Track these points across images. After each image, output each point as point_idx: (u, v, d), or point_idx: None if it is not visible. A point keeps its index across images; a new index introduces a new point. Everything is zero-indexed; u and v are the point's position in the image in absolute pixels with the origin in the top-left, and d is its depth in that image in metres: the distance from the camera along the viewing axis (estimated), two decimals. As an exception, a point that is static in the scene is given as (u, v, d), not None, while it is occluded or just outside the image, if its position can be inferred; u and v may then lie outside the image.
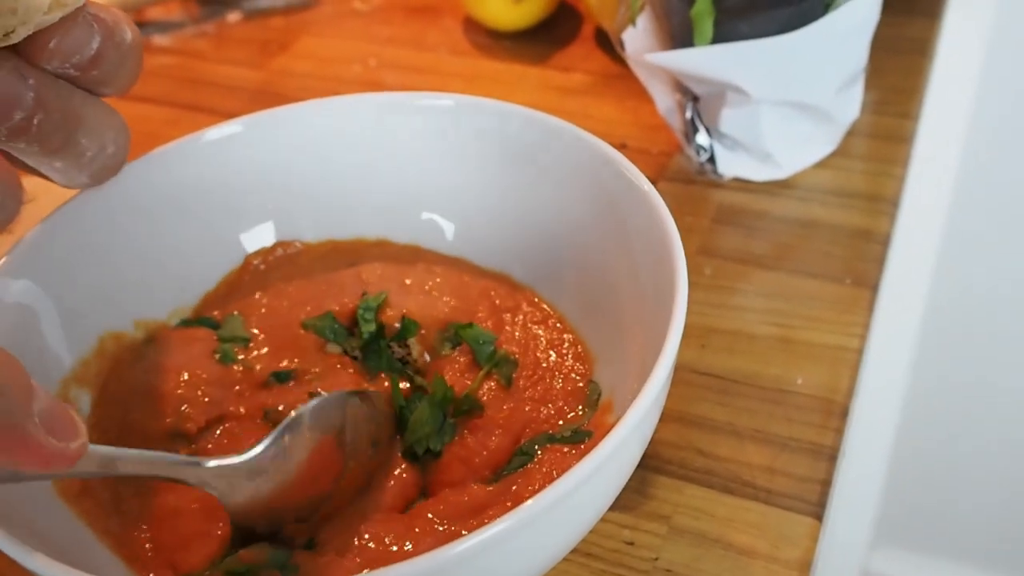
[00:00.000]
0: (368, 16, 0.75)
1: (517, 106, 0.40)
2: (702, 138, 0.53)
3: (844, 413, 0.42)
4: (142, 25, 0.76)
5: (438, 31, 0.72)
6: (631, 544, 0.38)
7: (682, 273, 0.31)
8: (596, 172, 0.38)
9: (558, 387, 0.37)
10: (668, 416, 0.42)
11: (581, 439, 0.34)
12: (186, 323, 0.41)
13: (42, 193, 0.51)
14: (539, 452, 0.34)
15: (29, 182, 0.57)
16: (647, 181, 0.35)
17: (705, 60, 0.48)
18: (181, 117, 0.65)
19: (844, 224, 0.51)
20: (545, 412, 0.36)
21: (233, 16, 0.76)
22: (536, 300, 0.41)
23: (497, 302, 0.41)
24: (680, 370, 0.44)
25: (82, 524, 0.33)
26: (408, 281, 0.41)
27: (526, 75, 0.66)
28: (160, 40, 0.74)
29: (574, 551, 0.37)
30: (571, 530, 0.29)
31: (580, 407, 0.36)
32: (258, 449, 0.32)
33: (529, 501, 0.26)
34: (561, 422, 0.36)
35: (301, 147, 0.41)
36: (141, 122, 0.67)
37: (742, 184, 0.54)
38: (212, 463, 0.32)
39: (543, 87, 0.65)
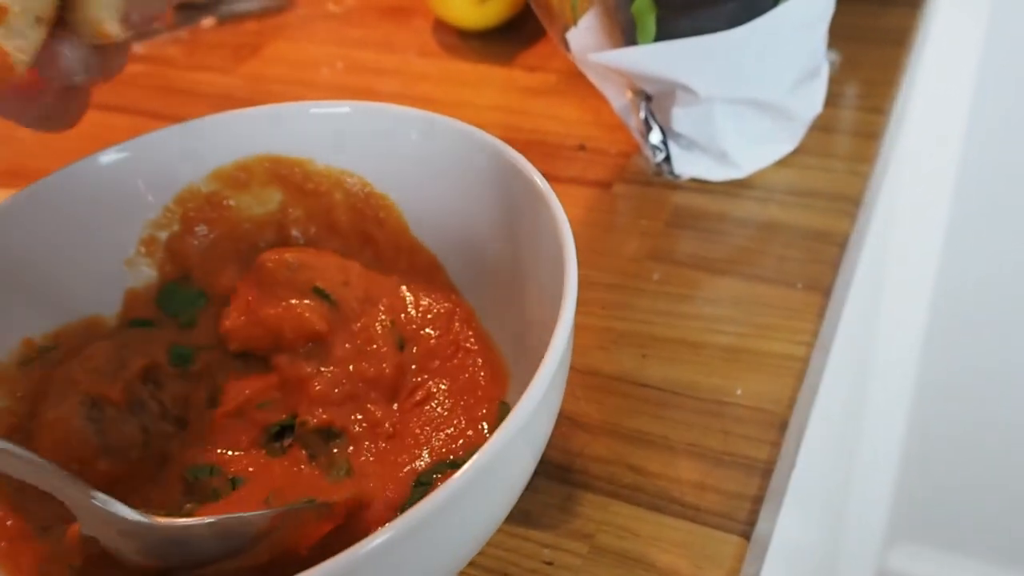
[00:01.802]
0: (341, 18, 0.74)
1: (409, 109, 0.39)
2: (656, 138, 0.51)
3: (783, 425, 0.40)
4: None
5: (408, 32, 0.71)
6: (550, 564, 0.36)
7: (572, 278, 0.30)
8: (496, 172, 0.36)
9: (464, 412, 0.36)
10: (600, 430, 0.41)
11: None
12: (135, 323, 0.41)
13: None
14: (437, 479, 0.33)
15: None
16: (541, 178, 0.34)
17: (648, 58, 0.46)
18: (145, 125, 0.65)
19: (802, 225, 0.49)
20: (447, 438, 0.35)
21: (207, 22, 0.75)
22: (456, 311, 0.40)
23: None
24: (618, 381, 0.43)
25: None
26: None
27: (492, 75, 0.65)
28: (133, 48, 0.74)
29: (490, 571, 0.36)
30: (453, 547, 0.28)
31: (488, 432, 0.35)
32: (174, 522, 0.30)
33: (398, 519, 0.25)
34: (461, 445, 0.35)
35: (199, 164, 0.41)
36: (105, 131, 0.67)
37: (700, 185, 0.52)
38: (101, 497, 0.30)
39: (508, 88, 0.64)
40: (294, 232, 0.43)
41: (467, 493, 0.26)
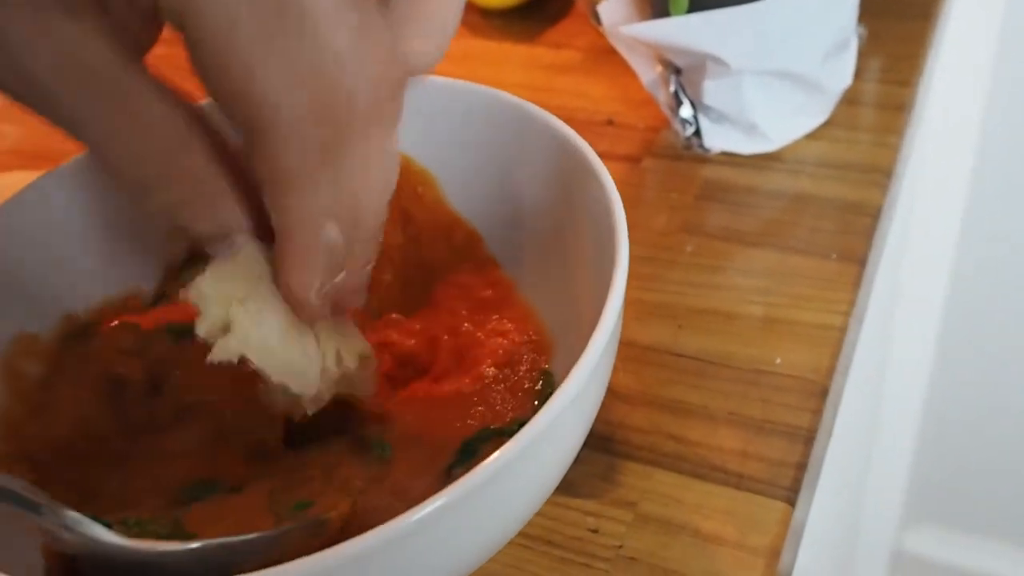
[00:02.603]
0: (360, -1, 0.74)
1: (455, 81, 0.39)
2: (686, 111, 0.51)
3: (823, 394, 0.40)
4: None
5: (429, 11, 0.71)
6: (595, 532, 0.36)
7: (623, 249, 0.30)
8: (543, 144, 0.36)
9: (510, 383, 0.36)
10: (639, 400, 0.41)
11: None
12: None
13: None
14: (484, 447, 0.33)
15: (1, 180, 0.57)
16: (590, 149, 0.34)
17: (681, 30, 0.46)
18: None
19: (834, 197, 0.50)
20: (488, 406, 0.35)
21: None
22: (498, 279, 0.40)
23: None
24: (655, 352, 0.43)
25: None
26: None
27: (516, 53, 0.65)
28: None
29: (535, 539, 0.36)
30: (505, 516, 0.28)
31: (535, 399, 0.35)
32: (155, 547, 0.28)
33: (452, 485, 0.25)
34: (505, 414, 0.35)
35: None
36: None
37: (730, 158, 0.52)
38: (74, 517, 0.28)
39: (533, 65, 0.64)
40: None
41: (521, 461, 0.26)
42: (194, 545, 0.28)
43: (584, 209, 0.35)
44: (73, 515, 0.28)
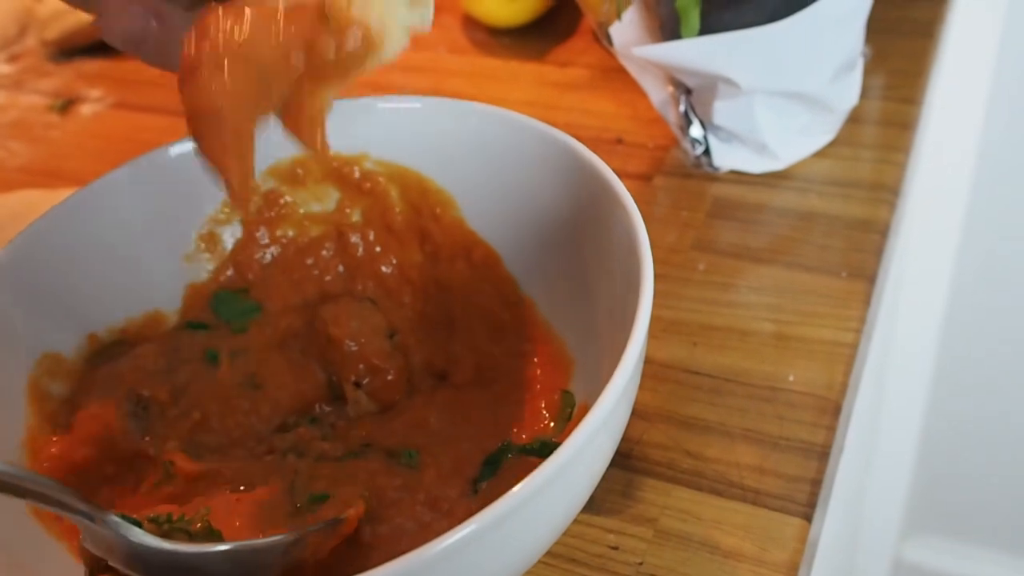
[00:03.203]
0: (368, 16, 0.75)
1: (482, 105, 0.40)
2: (696, 131, 0.52)
3: (837, 410, 0.41)
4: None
5: (437, 29, 0.71)
6: (615, 548, 0.37)
7: (648, 273, 0.31)
8: (566, 168, 0.37)
9: (530, 402, 0.37)
10: (657, 417, 0.41)
11: (548, 451, 0.33)
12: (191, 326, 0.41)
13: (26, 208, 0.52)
14: (505, 461, 0.34)
15: (11, 198, 0.58)
16: (615, 176, 0.35)
17: (693, 52, 0.47)
18: (177, 126, 0.65)
19: (843, 215, 0.50)
20: (515, 424, 0.36)
21: (235, 21, 0.76)
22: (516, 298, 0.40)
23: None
24: (671, 369, 0.43)
25: (59, 544, 0.33)
26: None
27: (524, 71, 0.66)
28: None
29: (557, 556, 0.37)
30: (534, 538, 0.29)
31: (552, 420, 0.36)
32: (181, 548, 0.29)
33: (486, 509, 0.25)
34: (525, 432, 0.35)
35: (277, 152, 0.41)
36: (138, 131, 0.68)
37: (739, 176, 0.53)
38: (114, 520, 0.29)
39: (541, 83, 0.64)
40: (353, 239, 0.43)
41: (554, 483, 0.26)
42: (226, 547, 0.29)
43: (606, 230, 0.35)
44: (113, 518, 0.29)
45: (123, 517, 0.29)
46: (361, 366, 0.38)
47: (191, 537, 0.30)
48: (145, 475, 0.36)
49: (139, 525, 0.30)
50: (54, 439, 0.36)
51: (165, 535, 0.30)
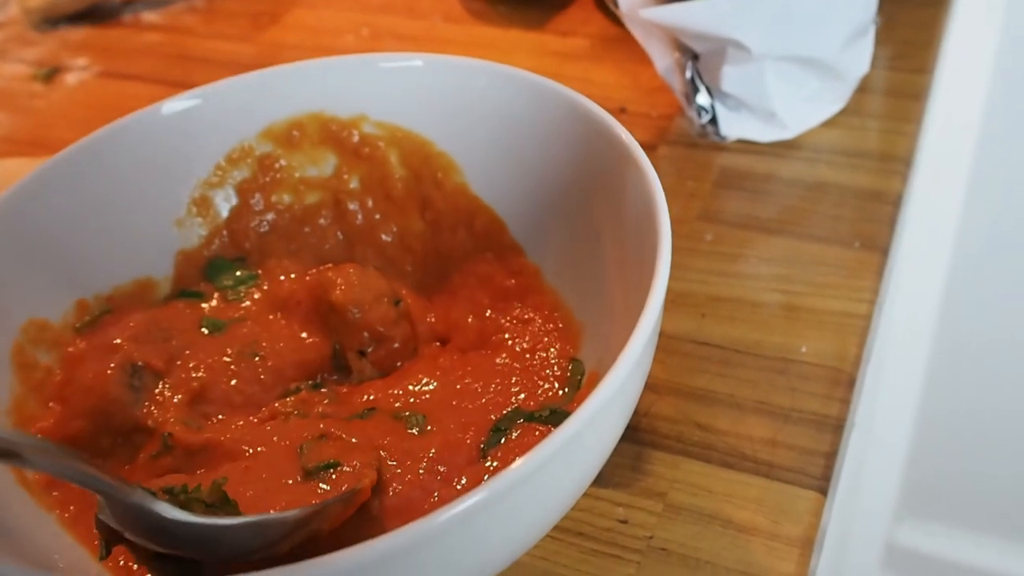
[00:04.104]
0: (361, -16, 0.73)
1: (490, 63, 0.38)
2: (703, 99, 0.50)
3: (851, 383, 0.40)
4: (131, 2, 0.74)
5: (432, -2, 0.70)
6: (624, 522, 0.36)
7: (665, 236, 0.29)
8: (577, 129, 0.35)
9: (537, 369, 0.35)
10: (666, 389, 0.40)
11: (558, 419, 0.32)
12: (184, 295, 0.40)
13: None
14: (513, 427, 0.32)
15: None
16: (630, 136, 0.33)
17: (703, 14, 0.46)
18: (163, 94, 0.63)
19: (853, 185, 0.49)
20: (522, 391, 0.34)
21: (225, -11, 0.74)
22: (523, 267, 0.39)
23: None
24: (679, 340, 0.42)
25: (48, 515, 0.32)
26: None
27: (523, 40, 0.64)
28: (149, 17, 0.72)
29: (564, 530, 0.35)
30: (545, 509, 0.27)
31: (562, 388, 0.34)
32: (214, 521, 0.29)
33: (493, 477, 0.24)
34: (534, 400, 0.34)
35: (252, 120, 0.40)
36: (124, 99, 0.66)
37: (746, 146, 0.52)
38: (140, 493, 0.28)
39: (541, 52, 0.63)
40: (351, 206, 0.41)
41: (565, 452, 0.25)
42: (249, 519, 0.29)
43: (618, 192, 0.34)
44: (140, 491, 0.28)
45: (145, 490, 0.29)
46: (365, 334, 0.37)
47: (207, 508, 0.29)
48: (142, 447, 0.34)
49: (153, 494, 0.29)
50: (48, 409, 0.35)
51: (182, 506, 0.29)
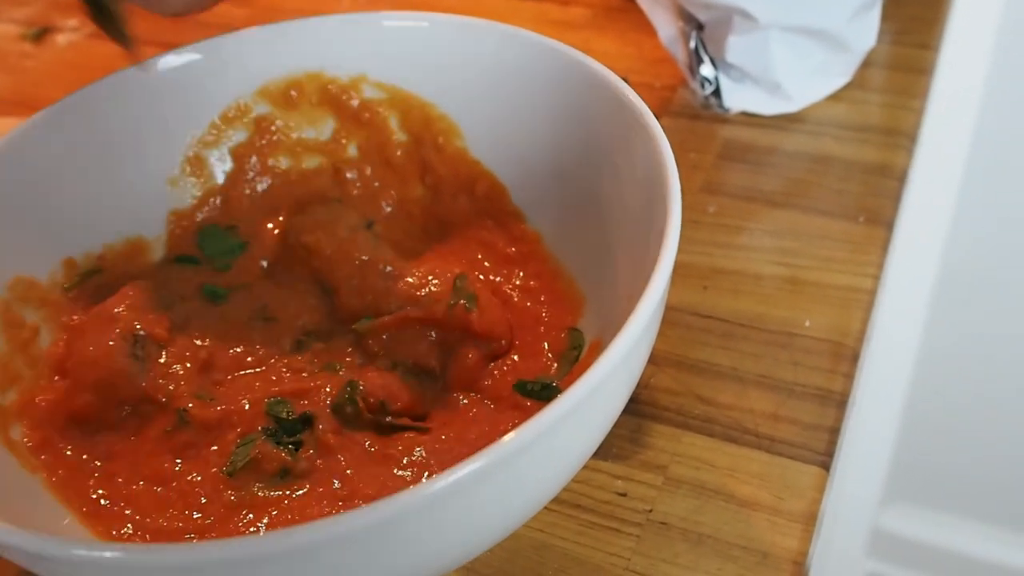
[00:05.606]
0: (359, -51, 0.71)
1: (500, 24, 0.37)
2: (707, 70, 0.50)
3: (855, 357, 0.39)
4: (124, -39, 0.72)
5: (431, -36, 0.68)
6: (623, 495, 0.35)
7: (676, 201, 0.28)
8: (588, 93, 0.34)
9: (534, 339, 0.35)
10: (667, 361, 0.39)
11: (548, 394, 0.32)
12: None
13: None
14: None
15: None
16: (641, 101, 0.32)
17: (710, -19, 0.45)
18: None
19: (858, 160, 0.48)
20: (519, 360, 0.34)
21: (219, -49, 0.72)
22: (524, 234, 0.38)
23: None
24: (681, 313, 0.41)
25: (34, 477, 0.31)
26: None
27: (522, 9, 0.63)
28: (142, -24, 0.71)
29: (562, 502, 0.35)
30: (543, 481, 0.27)
31: (553, 361, 0.34)
32: None
33: (495, 443, 0.23)
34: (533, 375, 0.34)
35: (268, 72, 0.39)
36: (115, 61, 0.64)
37: (750, 119, 0.51)
38: None
39: (540, 21, 0.62)
40: (349, 175, 0.40)
41: (567, 422, 0.24)
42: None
43: (625, 156, 0.33)
44: None
45: None
46: (347, 267, 0.36)
47: None
48: (150, 418, 0.33)
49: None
50: (52, 383, 0.34)
51: None
